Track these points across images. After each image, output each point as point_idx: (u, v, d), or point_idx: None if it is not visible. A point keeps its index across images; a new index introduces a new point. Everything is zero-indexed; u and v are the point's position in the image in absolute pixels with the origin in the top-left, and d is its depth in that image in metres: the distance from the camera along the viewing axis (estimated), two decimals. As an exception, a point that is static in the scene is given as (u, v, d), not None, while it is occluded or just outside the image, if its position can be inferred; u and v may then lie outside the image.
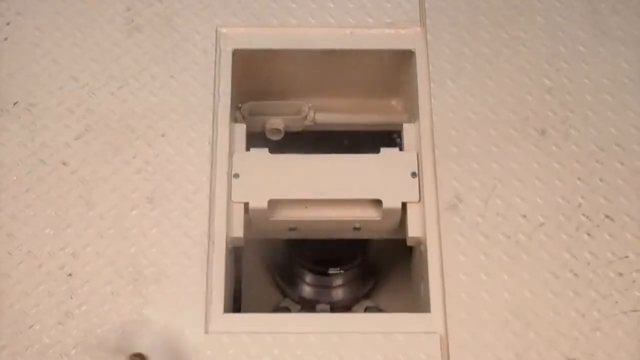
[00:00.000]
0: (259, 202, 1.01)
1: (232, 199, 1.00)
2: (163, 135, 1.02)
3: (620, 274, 0.94)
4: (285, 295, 1.23)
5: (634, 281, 0.94)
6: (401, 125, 1.08)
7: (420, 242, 1.00)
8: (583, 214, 0.98)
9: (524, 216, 0.97)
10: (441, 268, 0.95)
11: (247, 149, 1.05)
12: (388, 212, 1.02)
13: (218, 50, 1.08)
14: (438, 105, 1.04)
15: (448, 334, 0.92)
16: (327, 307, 1.20)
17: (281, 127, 1.17)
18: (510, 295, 0.93)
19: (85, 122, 1.03)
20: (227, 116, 1.04)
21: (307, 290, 1.21)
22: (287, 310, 1.21)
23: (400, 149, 1.06)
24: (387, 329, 0.93)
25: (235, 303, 1.12)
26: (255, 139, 1.12)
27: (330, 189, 1.02)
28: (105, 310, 0.92)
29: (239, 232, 0.99)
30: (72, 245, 0.96)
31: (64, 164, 1.00)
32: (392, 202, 1.01)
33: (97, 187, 0.99)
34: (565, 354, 0.91)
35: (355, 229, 1.06)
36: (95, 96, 1.04)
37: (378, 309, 1.22)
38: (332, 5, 1.11)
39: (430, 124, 1.03)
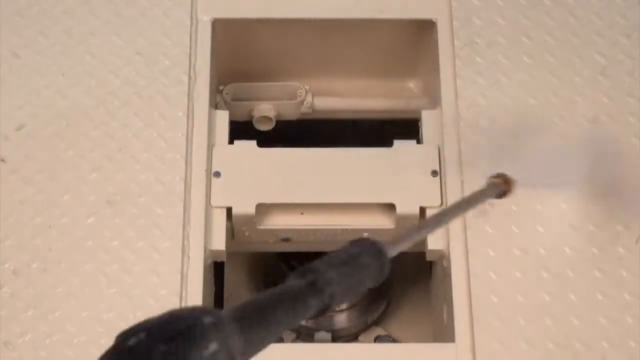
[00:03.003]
0: (244, 207, 1.01)
1: (212, 203, 1.00)
2: (127, 125, 1.02)
3: (690, 296, 0.94)
4: (277, 320, 1.23)
5: None
6: (419, 112, 1.08)
7: (443, 257, 1.00)
8: (645, 222, 0.98)
9: (572, 225, 0.97)
10: (468, 288, 0.95)
11: (231, 141, 1.05)
12: (403, 219, 1.02)
13: (194, 19, 1.08)
14: (464, 88, 1.04)
15: (477, 370, 0.92)
16: (329, 335, 1.20)
17: (272, 114, 1.17)
18: (553, 321, 0.93)
19: (29, 109, 1.02)
20: (205, 101, 1.04)
21: (303, 315, 1.21)
22: (279, 339, 1.21)
23: (418, 142, 1.06)
24: (402, 363, 0.93)
25: (216, 331, 1.12)
26: (241, 130, 1.12)
27: (332, 191, 1.02)
28: (54, 341, 0.92)
29: (220, 243, 0.99)
30: (13, 261, 0.95)
31: (2, 160, 1.00)
32: (407, 207, 1.01)
33: (44, 189, 0.98)
34: (621, 395, 0.91)
35: (363, 239, 1.06)
36: (42, 77, 1.04)
37: (391, 339, 1.22)
38: (334, -36, 1.11)
39: (455, 111, 1.03)
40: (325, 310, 0.55)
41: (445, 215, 0.69)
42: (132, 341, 0.47)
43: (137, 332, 0.47)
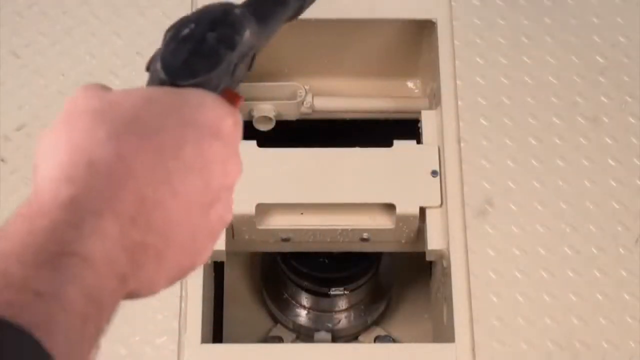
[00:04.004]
0: (244, 207, 1.01)
1: (212, 203, 1.00)
2: (126, 125, 1.02)
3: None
4: (277, 321, 1.23)
5: None
6: (419, 112, 1.08)
7: (443, 256, 1.00)
8: (644, 223, 0.98)
9: (571, 225, 0.97)
10: (468, 288, 0.95)
11: (230, 141, 1.05)
12: (403, 219, 1.02)
13: (194, 19, 1.08)
14: (465, 88, 1.04)
15: (477, 370, 0.92)
16: (329, 336, 1.20)
17: (272, 114, 1.16)
18: (553, 321, 0.93)
19: (28, 108, 1.02)
20: (205, 101, 1.04)
21: (303, 316, 1.21)
22: (279, 340, 1.21)
23: (418, 142, 1.06)
24: (402, 363, 0.93)
25: (216, 331, 1.12)
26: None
27: (332, 191, 1.02)
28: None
29: (219, 243, 0.98)
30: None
31: (2, 160, 1.00)
32: (407, 207, 1.01)
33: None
34: (621, 395, 0.91)
35: (363, 240, 1.06)
36: (42, 77, 1.04)
37: (391, 339, 1.22)
38: (334, -36, 1.11)
39: (455, 111, 1.03)
40: (300, 10, 0.65)
41: None
42: (185, 31, 0.54)
43: (186, 23, 0.54)
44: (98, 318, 0.44)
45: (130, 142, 0.47)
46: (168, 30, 0.55)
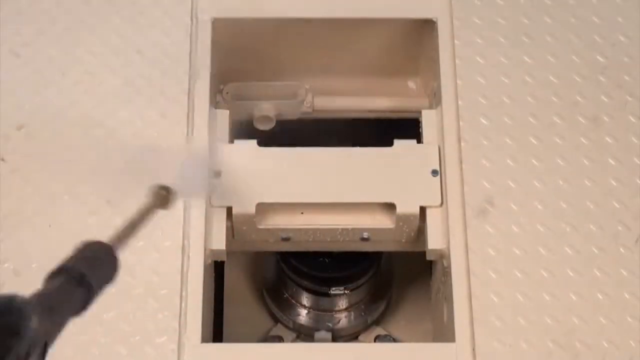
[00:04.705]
0: (244, 207, 1.01)
1: (212, 202, 1.00)
2: (127, 124, 1.02)
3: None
4: (277, 321, 1.23)
5: None
6: (419, 111, 1.08)
7: (443, 256, 1.00)
8: (645, 222, 0.98)
9: (571, 224, 0.97)
10: (468, 287, 0.95)
11: (231, 140, 1.05)
12: (403, 219, 1.02)
13: (194, 19, 1.08)
14: (465, 88, 1.04)
15: (477, 369, 0.92)
16: (329, 335, 1.20)
17: (272, 114, 1.16)
18: (554, 320, 0.93)
19: (28, 108, 1.02)
20: (206, 100, 1.04)
21: (303, 315, 1.21)
22: (279, 339, 1.21)
23: (419, 141, 1.06)
24: (402, 363, 0.93)
25: (216, 331, 1.12)
26: (241, 129, 1.12)
27: (332, 191, 1.02)
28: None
29: (220, 243, 0.99)
30: (13, 261, 0.95)
31: (2, 159, 1.00)
32: (408, 207, 1.01)
33: (44, 188, 0.98)
34: (621, 394, 0.91)
35: (363, 239, 1.06)
36: (42, 76, 1.04)
37: (391, 338, 1.22)
38: (334, -36, 1.11)
39: (456, 111, 1.03)
40: (86, 304, 0.64)
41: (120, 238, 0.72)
42: None
43: None
44: None
45: None
46: None
